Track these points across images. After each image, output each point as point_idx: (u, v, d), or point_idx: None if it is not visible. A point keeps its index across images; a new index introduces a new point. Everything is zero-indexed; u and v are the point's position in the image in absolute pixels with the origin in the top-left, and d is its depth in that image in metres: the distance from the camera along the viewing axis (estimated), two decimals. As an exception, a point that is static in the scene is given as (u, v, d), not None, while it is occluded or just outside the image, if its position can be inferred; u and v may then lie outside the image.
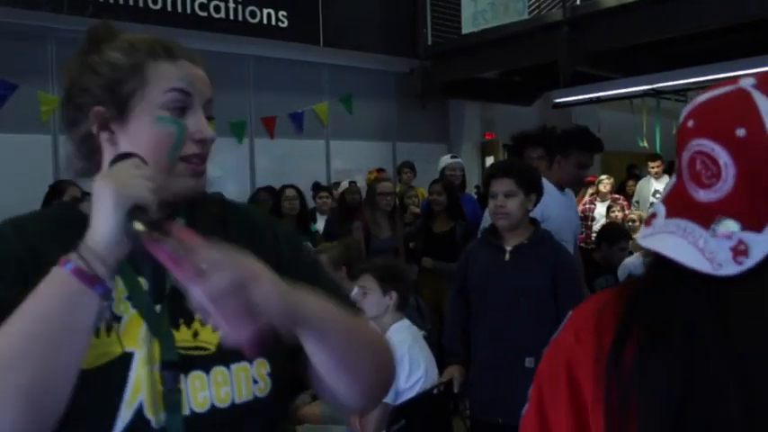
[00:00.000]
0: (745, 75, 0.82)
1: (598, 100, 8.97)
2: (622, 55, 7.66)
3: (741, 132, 0.77)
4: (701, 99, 0.84)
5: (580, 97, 8.71)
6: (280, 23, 7.62)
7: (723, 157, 0.78)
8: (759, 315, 0.75)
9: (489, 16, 7.96)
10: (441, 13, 8.77)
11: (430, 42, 8.78)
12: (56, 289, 0.82)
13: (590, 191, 8.48)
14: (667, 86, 7.93)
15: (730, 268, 0.75)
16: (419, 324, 3.43)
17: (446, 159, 6.16)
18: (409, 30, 8.80)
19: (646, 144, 9.12)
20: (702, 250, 0.77)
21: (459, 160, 6.18)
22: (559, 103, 9.05)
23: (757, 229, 0.76)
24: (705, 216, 0.79)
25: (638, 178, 9.25)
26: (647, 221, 0.86)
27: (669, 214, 0.83)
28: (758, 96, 0.78)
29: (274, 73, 7.81)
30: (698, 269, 0.76)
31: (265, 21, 7.51)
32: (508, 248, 2.79)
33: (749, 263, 0.74)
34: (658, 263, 0.83)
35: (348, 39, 8.11)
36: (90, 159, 1.03)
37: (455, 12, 8.54)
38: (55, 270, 0.83)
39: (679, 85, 7.74)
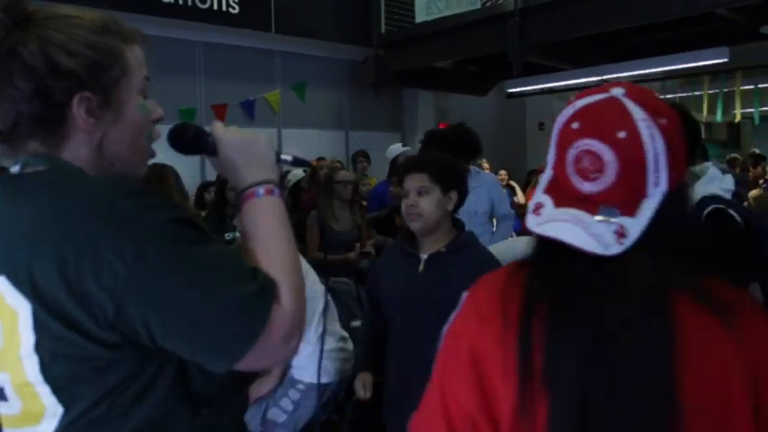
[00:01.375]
0: (614, 84, 0.98)
1: (551, 91, 9.05)
2: (573, 46, 7.73)
3: (622, 134, 0.91)
4: (582, 103, 0.97)
5: (533, 87, 8.76)
6: (230, 9, 7.48)
7: (608, 155, 0.91)
8: (648, 281, 0.89)
9: (442, 5, 7.96)
10: (394, 2, 8.73)
11: (383, 31, 8.74)
12: (279, 209, 1.09)
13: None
14: (616, 78, 8.02)
15: (615, 248, 0.89)
16: (357, 314, 3.38)
17: (398, 148, 6.15)
18: (363, 17, 8.73)
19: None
20: (593, 235, 0.90)
21: (409, 148, 6.18)
22: (513, 93, 9.10)
23: (631, 214, 0.90)
24: (590, 205, 0.92)
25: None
26: (536, 211, 0.97)
27: (557, 204, 0.95)
28: (629, 104, 0.93)
29: (225, 60, 7.69)
30: (591, 251, 0.90)
31: (216, 6, 7.35)
32: (423, 257, 2.36)
33: (628, 242, 0.89)
34: (548, 246, 0.95)
35: (300, 26, 8.01)
36: (36, 135, 0.98)
37: (409, 0, 8.52)
38: (269, 198, 1.09)
39: (628, 77, 7.84)
